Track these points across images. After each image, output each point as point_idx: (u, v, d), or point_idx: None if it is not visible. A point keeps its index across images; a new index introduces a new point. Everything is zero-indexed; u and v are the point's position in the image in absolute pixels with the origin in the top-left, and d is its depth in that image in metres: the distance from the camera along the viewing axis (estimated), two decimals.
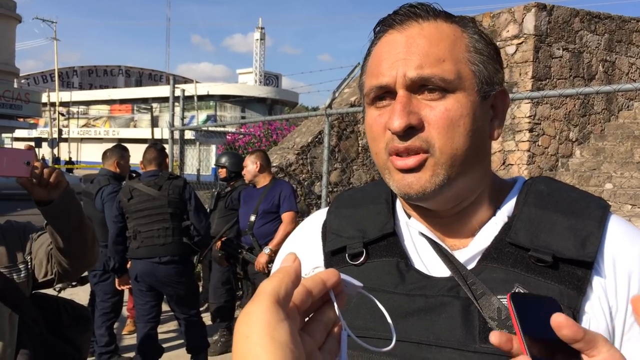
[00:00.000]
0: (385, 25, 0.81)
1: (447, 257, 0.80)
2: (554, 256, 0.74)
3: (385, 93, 0.79)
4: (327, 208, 0.96)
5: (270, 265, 4.23)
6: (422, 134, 0.76)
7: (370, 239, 0.85)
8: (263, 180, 4.50)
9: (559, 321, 0.52)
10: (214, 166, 5.73)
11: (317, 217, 0.97)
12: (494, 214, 0.83)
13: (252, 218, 4.38)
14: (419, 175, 0.77)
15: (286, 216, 4.33)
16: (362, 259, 0.84)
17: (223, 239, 4.84)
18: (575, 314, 0.72)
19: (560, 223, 0.77)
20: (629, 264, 0.76)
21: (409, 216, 0.87)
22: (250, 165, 4.49)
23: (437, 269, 0.80)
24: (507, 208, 0.82)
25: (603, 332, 0.73)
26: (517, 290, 0.70)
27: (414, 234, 0.85)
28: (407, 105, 0.75)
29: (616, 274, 0.75)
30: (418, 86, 0.76)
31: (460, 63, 0.77)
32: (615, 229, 0.78)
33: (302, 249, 0.93)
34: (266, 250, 4.23)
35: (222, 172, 5.33)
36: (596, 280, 0.75)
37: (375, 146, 0.81)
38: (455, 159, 0.76)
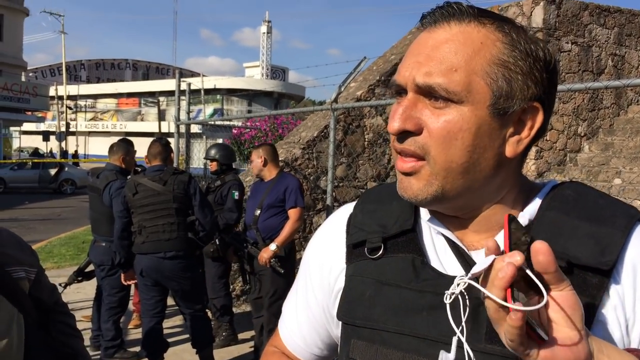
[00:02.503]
0: (420, 22, 0.82)
1: (463, 257, 0.81)
2: (569, 262, 0.72)
3: (402, 90, 0.79)
4: (355, 202, 0.99)
5: (272, 261, 4.22)
6: (419, 139, 0.77)
7: (390, 234, 0.87)
8: (269, 174, 4.46)
9: (538, 247, 0.59)
10: (205, 158, 5.67)
11: (345, 211, 0.99)
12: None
13: (257, 212, 4.36)
14: (412, 182, 0.79)
15: (292, 213, 4.29)
16: (379, 253, 0.86)
17: (231, 233, 4.84)
18: (589, 323, 0.70)
19: (581, 229, 0.75)
20: None
21: (432, 214, 0.87)
22: (256, 160, 4.47)
23: (453, 267, 0.81)
24: (530, 211, 0.81)
25: (617, 342, 0.72)
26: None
27: (434, 232, 0.86)
28: (409, 109, 0.77)
29: (636, 285, 0.73)
30: (426, 92, 0.76)
31: (475, 75, 0.74)
32: None
33: (328, 241, 0.97)
34: (272, 246, 4.20)
35: (213, 166, 5.28)
36: (613, 290, 0.73)
37: (391, 140, 0.83)
38: (450, 171, 0.77)
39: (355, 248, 0.90)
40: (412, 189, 0.79)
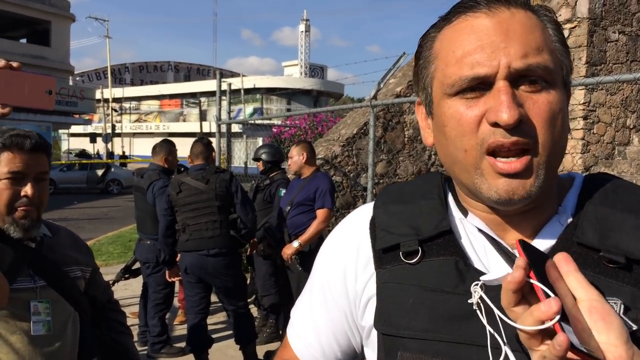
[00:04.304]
0: (465, 7, 0.74)
1: (509, 257, 0.76)
2: (627, 257, 0.69)
3: (478, 84, 0.72)
4: (373, 203, 0.91)
5: (293, 258, 4.27)
6: (527, 128, 0.70)
7: (426, 236, 0.80)
8: (307, 172, 4.52)
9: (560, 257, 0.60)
10: (253, 159, 5.72)
11: (363, 212, 0.93)
12: (555, 212, 0.78)
13: (288, 208, 4.43)
14: (524, 181, 0.71)
15: (320, 213, 4.31)
16: (417, 257, 0.80)
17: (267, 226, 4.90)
18: None
19: (628, 222, 0.72)
20: None
21: (464, 212, 0.83)
22: (297, 157, 4.51)
23: (499, 268, 0.76)
24: (570, 206, 0.78)
25: None
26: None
27: (470, 232, 0.81)
28: (513, 97, 0.70)
29: None
30: (518, 77, 0.71)
31: (553, 53, 0.73)
32: None
33: (349, 245, 0.91)
34: (295, 243, 4.26)
35: (260, 165, 5.35)
36: None
37: (463, 143, 0.74)
38: (554, 157, 0.73)
39: (385, 253, 0.83)
40: (526, 187, 0.71)
